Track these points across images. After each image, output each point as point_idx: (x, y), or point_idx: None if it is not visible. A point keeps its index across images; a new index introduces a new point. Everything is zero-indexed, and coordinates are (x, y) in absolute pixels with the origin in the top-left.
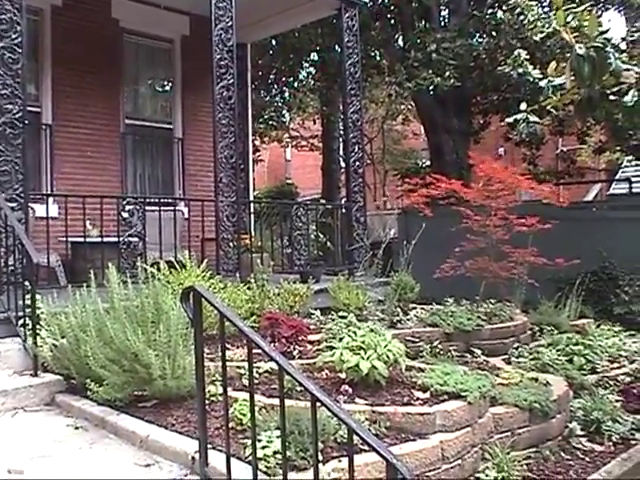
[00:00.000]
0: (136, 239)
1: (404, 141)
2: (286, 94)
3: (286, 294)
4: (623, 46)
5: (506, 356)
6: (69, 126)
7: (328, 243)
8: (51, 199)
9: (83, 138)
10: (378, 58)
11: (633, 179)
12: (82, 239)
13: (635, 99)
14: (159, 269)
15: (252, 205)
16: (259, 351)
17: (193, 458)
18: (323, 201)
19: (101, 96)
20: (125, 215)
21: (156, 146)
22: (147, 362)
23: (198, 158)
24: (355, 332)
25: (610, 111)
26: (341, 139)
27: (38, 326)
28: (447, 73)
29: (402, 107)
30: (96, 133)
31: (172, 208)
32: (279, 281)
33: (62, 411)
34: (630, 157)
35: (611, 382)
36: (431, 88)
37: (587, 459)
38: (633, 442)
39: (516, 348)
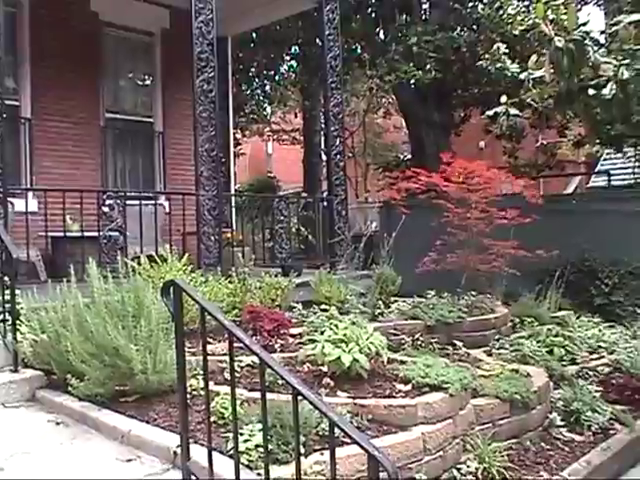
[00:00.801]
0: (117, 233)
1: (385, 134)
2: (267, 87)
3: (268, 288)
4: (602, 40)
5: (487, 348)
6: (48, 120)
7: (310, 236)
8: (30, 193)
9: (63, 132)
10: (359, 51)
11: (612, 172)
12: (62, 234)
13: (613, 92)
14: (140, 263)
15: (233, 199)
16: (241, 345)
17: (175, 453)
18: (304, 194)
19: (81, 90)
20: (105, 209)
21: (137, 140)
22: (128, 357)
23: (179, 152)
24: (337, 325)
25: (589, 104)
26: (322, 132)
27: (18, 321)
28: (428, 66)
29: (383, 100)
30: (76, 127)
31: (153, 202)
32: (261, 275)
33: (43, 407)
34: (609, 150)
35: (591, 373)
36: (412, 81)
37: (567, 449)
38: (612, 432)
39: (497, 340)
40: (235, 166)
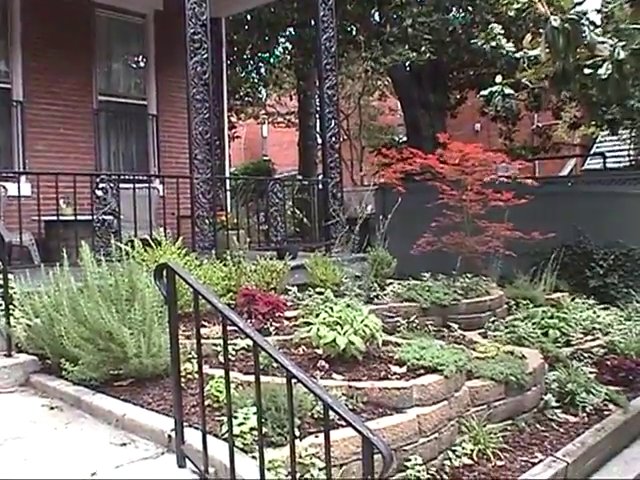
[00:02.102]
0: (110, 217)
1: (381, 117)
2: (262, 70)
3: (263, 271)
4: (598, 20)
5: (482, 330)
6: (41, 103)
7: (305, 219)
8: (23, 177)
9: (56, 115)
10: (354, 33)
11: (607, 154)
12: (56, 218)
13: (609, 72)
14: (134, 247)
15: (228, 182)
16: (235, 328)
17: (169, 436)
18: (299, 177)
19: (73, 72)
20: (99, 193)
21: (130, 123)
22: (122, 341)
23: (173, 135)
24: (332, 308)
25: (585, 85)
26: (317, 115)
27: (11, 306)
28: (423, 48)
29: (379, 83)
30: (69, 110)
31: (147, 185)
32: (256, 258)
33: (37, 391)
34: (604, 132)
35: (585, 354)
36: (407, 63)
37: (562, 430)
38: (606, 413)
39: (492, 322)
40: (230, 149)
